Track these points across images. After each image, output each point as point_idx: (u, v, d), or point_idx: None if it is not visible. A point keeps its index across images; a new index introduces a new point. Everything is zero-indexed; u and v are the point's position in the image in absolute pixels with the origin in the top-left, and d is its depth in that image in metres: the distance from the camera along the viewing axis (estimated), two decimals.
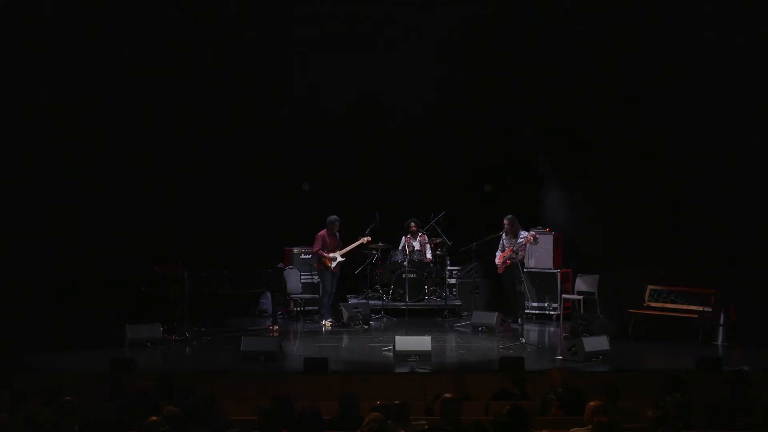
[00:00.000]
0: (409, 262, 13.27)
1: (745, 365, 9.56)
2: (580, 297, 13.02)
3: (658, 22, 12.12)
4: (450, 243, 13.71)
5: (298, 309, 13.35)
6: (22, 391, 7.00)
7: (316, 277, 13.29)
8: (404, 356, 9.90)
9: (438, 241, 13.81)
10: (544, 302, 13.32)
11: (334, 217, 12.75)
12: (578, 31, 12.65)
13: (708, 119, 11.84)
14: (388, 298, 13.48)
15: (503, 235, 12.41)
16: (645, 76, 12.47)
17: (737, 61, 11.63)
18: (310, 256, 13.34)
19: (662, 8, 12.02)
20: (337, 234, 12.77)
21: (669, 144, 12.44)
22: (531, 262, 13.25)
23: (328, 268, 12.68)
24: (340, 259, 12.75)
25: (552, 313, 13.23)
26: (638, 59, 12.41)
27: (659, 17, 12.08)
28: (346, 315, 12.41)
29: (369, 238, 13.00)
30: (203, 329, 11.79)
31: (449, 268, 14.05)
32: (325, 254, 12.65)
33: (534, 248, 13.10)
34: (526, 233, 12.32)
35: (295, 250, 13.73)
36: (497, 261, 12.49)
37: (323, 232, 12.69)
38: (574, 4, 12.68)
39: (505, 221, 12.33)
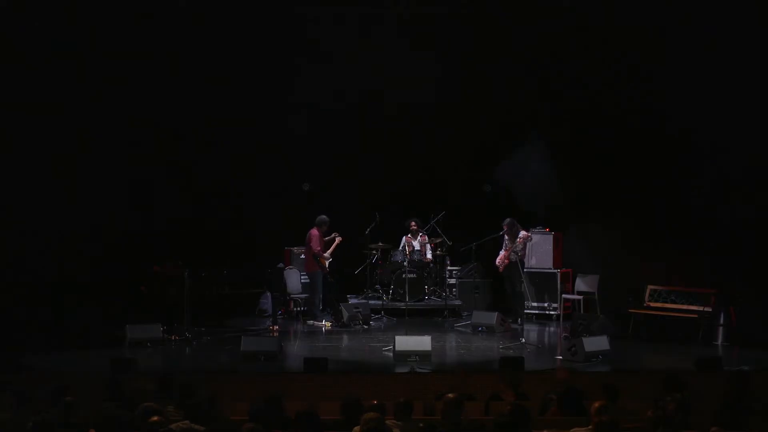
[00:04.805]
0: (409, 262, 13.27)
1: (745, 365, 9.56)
2: (580, 297, 13.04)
3: (659, 21, 12.15)
4: (450, 243, 13.70)
5: (298, 309, 13.35)
6: (23, 391, 7.00)
7: None
8: (404, 356, 9.91)
9: (438, 241, 13.80)
10: (544, 302, 13.32)
11: (325, 217, 12.76)
12: (578, 28, 12.69)
13: (709, 119, 11.88)
14: (388, 298, 13.48)
15: (504, 236, 12.41)
16: (647, 73, 12.51)
17: (740, 60, 11.67)
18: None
19: (662, 8, 12.06)
20: None
21: (670, 144, 12.47)
22: (532, 261, 13.25)
23: (323, 267, 12.71)
24: (330, 258, 12.79)
25: (552, 313, 13.23)
26: (640, 57, 12.46)
27: (660, 15, 12.11)
28: (346, 315, 12.41)
29: (341, 238, 12.89)
30: (203, 329, 11.78)
31: (449, 268, 14.04)
32: (324, 255, 12.68)
33: (534, 248, 13.11)
34: (525, 232, 12.34)
35: (295, 250, 13.72)
36: (497, 261, 12.49)
37: (317, 232, 12.69)
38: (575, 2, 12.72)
39: (504, 226, 12.33)
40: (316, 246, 12.68)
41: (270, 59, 13.27)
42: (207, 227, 13.57)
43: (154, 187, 13.39)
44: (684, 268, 11.97)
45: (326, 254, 12.73)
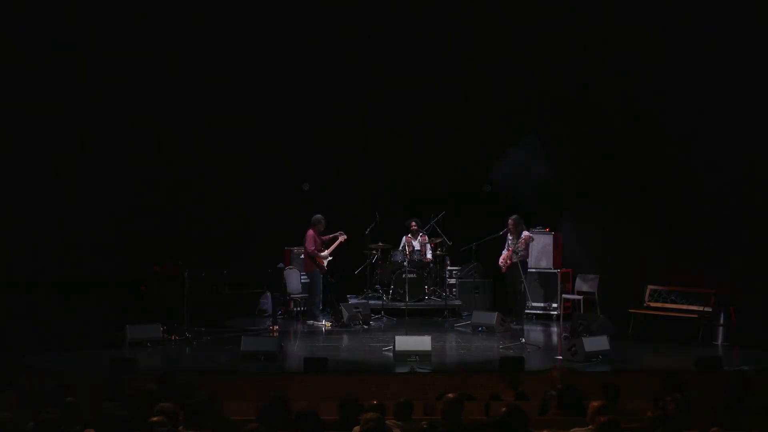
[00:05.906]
0: (409, 262, 13.27)
1: (745, 365, 9.56)
2: (580, 297, 13.03)
3: (659, 21, 12.16)
4: (450, 243, 13.70)
5: (298, 309, 13.35)
6: (24, 390, 7.01)
7: None
8: (404, 356, 9.91)
9: (438, 241, 13.80)
10: (545, 302, 13.31)
11: (320, 216, 12.74)
12: (578, 28, 12.70)
13: (709, 119, 11.89)
14: (388, 298, 13.48)
15: (508, 234, 12.40)
16: (647, 73, 12.51)
17: (740, 60, 11.68)
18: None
19: (662, 8, 12.07)
20: None
21: (670, 144, 12.47)
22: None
23: (321, 267, 12.70)
24: (329, 258, 12.79)
25: (552, 313, 13.23)
26: (640, 57, 12.46)
27: (660, 15, 12.12)
28: (346, 315, 12.40)
29: (345, 236, 12.95)
30: (203, 329, 11.78)
31: (449, 268, 14.03)
32: (320, 254, 12.68)
33: (537, 248, 13.10)
34: (527, 233, 12.33)
35: (295, 250, 13.71)
36: (500, 261, 12.47)
37: (313, 232, 12.66)
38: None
39: (510, 221, 12.30)
40: (310, 246, 12.65)
41: (270, 59, 13.27)
42: (207, 227, 13.56)
43: (154, 187, 13.39)
44: (684, 268, 11.97)
45: (324, 253, 12.72)
